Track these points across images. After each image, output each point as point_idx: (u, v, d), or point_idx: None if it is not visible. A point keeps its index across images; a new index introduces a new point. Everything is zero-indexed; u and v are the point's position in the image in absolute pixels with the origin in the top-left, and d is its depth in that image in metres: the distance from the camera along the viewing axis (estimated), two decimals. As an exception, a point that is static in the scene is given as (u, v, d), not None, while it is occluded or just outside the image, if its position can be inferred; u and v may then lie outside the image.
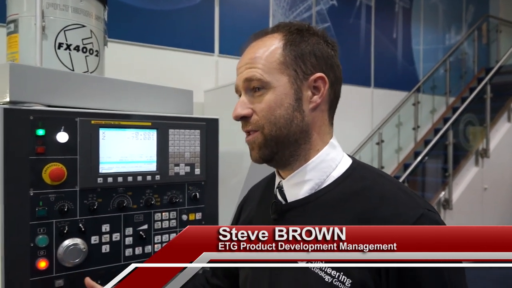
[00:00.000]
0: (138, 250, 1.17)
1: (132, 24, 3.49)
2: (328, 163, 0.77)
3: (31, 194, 1.02)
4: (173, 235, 1.24)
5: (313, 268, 0.69)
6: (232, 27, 4.14)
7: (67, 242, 1.05)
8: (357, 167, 0.78)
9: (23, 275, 1.01)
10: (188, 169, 1.27)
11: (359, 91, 5.58)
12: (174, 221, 1.24)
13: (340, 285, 0.66)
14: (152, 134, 1.20)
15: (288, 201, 0.79)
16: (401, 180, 4.49)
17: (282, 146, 0.75)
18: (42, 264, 1.02)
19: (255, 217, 0.89)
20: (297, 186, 0.77)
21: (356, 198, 0.71)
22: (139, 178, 1.17)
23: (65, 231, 1.05)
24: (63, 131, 1.05)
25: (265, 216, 0.83)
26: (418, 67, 6.34)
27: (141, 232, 1.17)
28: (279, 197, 0.80)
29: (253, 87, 0.75)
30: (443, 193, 4.84)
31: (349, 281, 0.65)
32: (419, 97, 6.06)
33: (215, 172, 1.33)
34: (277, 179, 0.83)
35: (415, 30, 6.31)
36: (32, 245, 1.01)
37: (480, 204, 5.18)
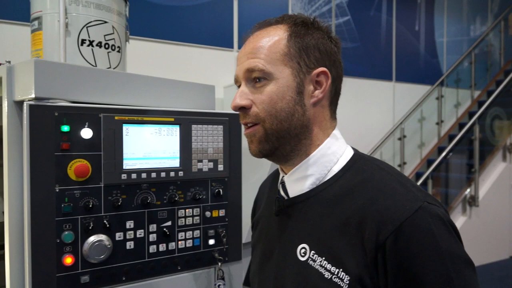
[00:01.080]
0: (162, 247, 1.17)
1: (151, 20, 3.51)
2: (329, 157, 0.76)
3: (57, 190, 1.02)
4: (196, 232, 1.23)
5: (314, 264, 0.69)
6: (251, 22, 4.10)
7: (92, 239, 1.05)
8: (358, 160, 0.76)
9: (50, 271, 1.01)
10: (211, 165, 1.25)
11: (380, 85, 5.48)
12: (197, 217, 1.23)
13: (339, 281, 0.65)
14: (175, 130, 1.19)
15: (290, 196, 0.78)
16: (424, 176, 4.39)
17: (283, 141, 0.74)
18: (68, 260, 1.02)
19: (263, 212, 0.90)
20: (298, 182, 0.77)
21: (354, 192, 0.70)
22: (163, 174, 1.16)
23: (90, 227, 1.05)
24: (87, 127, 1.05)
25: (270, 211, 0.84)
26: (441, 60, 6.17)
27: (165, 229, 1.16)
28: (282, 193, 0.80)
29: (254, 78, 0.73)
30: (468, 189, 4.70)
31: (347, 277, 0.65)
32: (442, 90, 5.91)
33: (238, 168, 1.31)
34: (281, 175, 0.82)
35: (439, 21, 6.14)
36: (58, 241, 1.02)
37: (508, 200, 5.01)
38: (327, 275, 0.67)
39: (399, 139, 5.56)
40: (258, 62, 0.72)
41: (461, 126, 5.71)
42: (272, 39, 0.73)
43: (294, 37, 0.73)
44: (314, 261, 0.70)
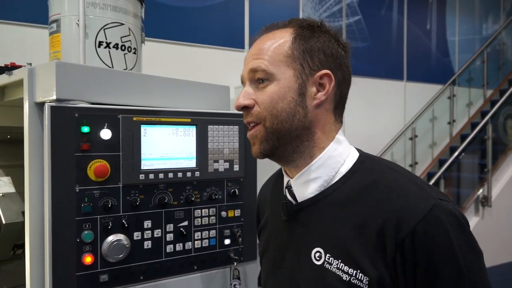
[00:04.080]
0: (179, 247, 1.18)
1: (163, 22, 3.53)
2: (336, 158, 0.75)
3: (77, 190, 1.03)
4: (212, 232, 1.24)
5: (331, 268, 0.70)
6: (262, 23, 4.10)
7: (111, 238, 1.06)
8: (365, 160, 0.76)
9: (70, 270, 1.03)
10: (227, 165, 1.26)
11: (391, 84, 5.44)
12: (213, 217, 1.24)
13: (358, 282, 0.66)
14: (192, 131, 1.20)
15: (298, 200, 0.78)
16: (436, 176, 4.35)
17: (284, 141, 0.74)
18: (88, 259, 1.04)
19: (268, 219, 0.89)
20: (306, 185, 0.76)
21: (366, 193, 0.70)
22: (179, 174, 1.17)
23: (109, 227, 1.06)
24: (106, 128, 1.06)
25: (277, 217, 0.83)
26: (453, 59, 6.11)
27: (181, 229, 1.18)
28: (289, 197, 0.79)
29: (257, 78, 0.74)
30: (481, 190, 4.64)
31: (366, 278, 0.65)
32: (454, 90, 5.84)
33: (254, 168, 1.31)
34: (285, 179, 0.82)
35: (450, 20, 6.08)
36: (78, 240, 1.03)
37: (521, 201, 4.93)
38: (345, 277, 0.67)
39: (411, 139, 5.51)
40: (262, 62, 0.73)
41: (473, 125, 5.64)
42: (277, 42, 0.74)
43: (298, 39, 0.74)
44: (331, 264, 0.70)
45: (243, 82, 0.78)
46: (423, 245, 0.63)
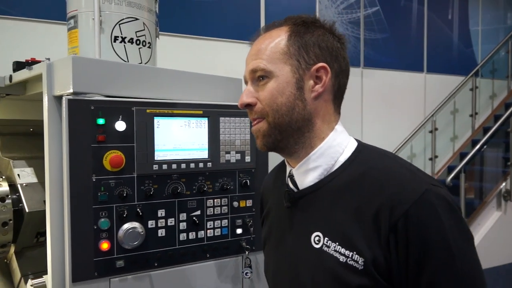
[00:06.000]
0: (192, 235, 1.21)
1: (178, 16, 3.57)
2: (335, 148, 0.79)
3: (94, 180, 1.08)
4: (224, 222, 1.27)
5: (329, 250, 0.73)
6: (277, 16, 4.09)
7: (127, 226, 1.11)
8: (362, 150, 0.80)
9: (88, 256, 1.08)
10: (238, 156, 1.28)
11: (410, 76, 5.34)
12: (225, 207, 1.27)
13: (354, 263, 0.69)
14: (204, 122, 1.23)
15: (300, 188, 0.81)
16: (456, 169, 4.27)
17: (286, 133, 0.77)
18: (105, 245, 1.08)
19: (271, 207, 0.93)
20: (307, 173, 0.80)
21: (363, 180, 0.74)
22: (192, 165, 1.21)
23: (124, 215, 1.10)
24: (121, 120, 1.10)
25: (280, 205, 0.87)
26: (476, 50, 5.94)
27: (194, 218, 1.21)
28: (291, 185, 0.83)
29: (258, 77, 0.78)
30: (504, 184, 4.54)
31: (361, 259, 0.69)
32: (477, 81, 5.70)
33: (265, 159, 1.33)
34: (288, 168, 0.85)
35: (473, 10, 5.91)
36: (95, 227, 1.08)
37: (546, 195, 4.79)
38: (342, 258, 0.71)
39: (431, 131, 5.42)
40: (260, 62, 0.77)
41: (496, 118, 5.49)
42: (274, 41, 0.78)
43: (294, 36, 0.77)
44: (328, 247, 0.74)
45: (246, 82, 0.83)
46: (415, 227, 0.66)
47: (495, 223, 4.37)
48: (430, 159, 5.48)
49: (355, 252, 0.70)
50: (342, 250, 0.71)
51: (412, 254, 0.66)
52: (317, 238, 0.76)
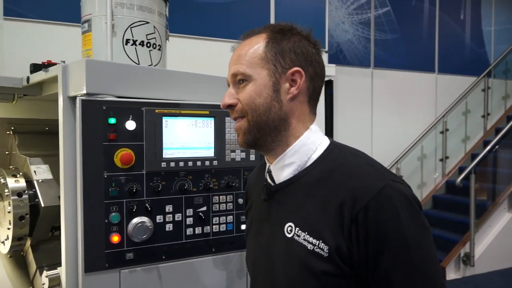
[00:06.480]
0: (198, 230, 1.26)
1: (188, 18, 3.64)
2: (309, 146, 0.86)
3: (105, 176, 1.14)
4: (230, 218, 1.32)
5: (299, 239, 0.80)
6: (287, 17, 4.13)
7: (136, 220, 1.16)
8: (333, 148, 0.87)
9: (99, 248, 1.13)
10: (243, 155, 1.33)
11: (421, 77, 5.33)
12: (230, 204, 1.31)
13: (320, 251, 0.76)
14: (210, 122, 1.28)
15: (276, 182, 0.89)
16: (467, 170, 4.25)
17: (263, 131, 0.85)
18: (115, 238, 1.14)
19: (253, 201, 1.01)
20: (282, 169, 0.87)
21: (331, 176, 0.81)
22: (198, 163, 1.26)
23: (134, 210, 1.16)
24: (131, 119, 1.16)
25: (259, 199, 0.94)
26: (489, 50, 5.89)
27: (200, 213, 1.26)
28: (269, 180, 0.91)
29: (238, 80, 0.86)
30: (516, 185, 4.49)
31: (326, 247, 0.75)
32: (489, 82, 5.65)
33: (269, 158, 1.38)
34: (267, 164, 0.93)
35: (486, 9, 5.86)
36: (106, 221, 1.14)
37: (559, 197, 4.72)
38: (309, 247, 0.78)
39: (441, 132, 5.39)
40: (240, 67, 0.85)
41: (509, 118, 5.44)
42: (253, 47, 0.85)
43: (271, 43, 0.84)
44: (299, 236, 0.81)
45: (228, 85, 0.90)
46: (373, 219, 0.72)
47: (507, 224, 4.33)
48: (441, 159, 5.45)
49: (321, 241, 0.76)
50: (310, 239, 0.78)
51: (370, 244, 0.73)
52: (289, 228, 0.83)
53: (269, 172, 0.91)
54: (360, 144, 4.82)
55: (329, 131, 3.61)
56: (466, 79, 5.60)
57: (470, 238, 4.09)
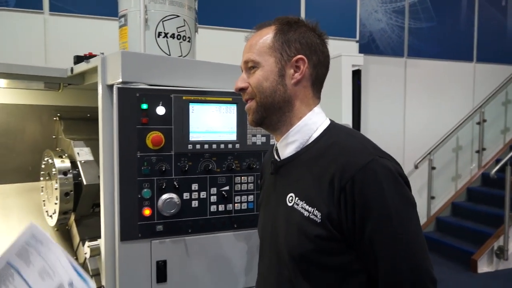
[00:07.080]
0: (221, 207, 1.38)
1: (219, 10, 3.75)
2: (310, 126, 0.96)
3: (138, 156, 1.27)
4: (251, 197, 1.42)
5: (298, 207, 0.91)
6: (318, 6, 4.15)
7: (165, 196, 1.29)
8: (331, 128, 0.97)
9: (133, 220, 1.27)
10: (264, 139, 1.42)
11: (458, 66, 5.17)
12: (251, 184, 1.42)
13: (314, 217, 0.86)
14: (233, 108, 1.38)
15: (281, 158, 1.00)
16: (502, 162, 4.12)
17: (269, 112, 0.95)
18: (147, 212, 1.28)
19: (265, 177, 1.13)
20: (286, 146, 0.98)
21: (326, 152, 0.91)
22: (222, 146, 1.37)
23: (163, 187, 1.29)
24: (161, 105, 1.28)
25: (269, 173, 1.06)
26: (532, 37, 5.60)
27: (223, 192, 1.37)
28: (276, 156, 1.02)
29: (249, 67, 0.97)
30: (556, 178, 4.30)
31: (319, 214, 0.86)
32: (532, 70, 5.39)
33: (289, 143, 1.46)
34: (275, 143, 1.04)
35: (531, -6, 5.56)
36: (139, 196, 1.27)
37: None
38: (305, 213, 0.88)
39: (478, 123, 5.23)
40: (251, 55, 0.96)
41: (553, 109, 5.19)
42: (263, 37, 0.96)
43: (279, 34, 0.95)
44: (298, 204, 0.91)
45: (242, 70, 1.01)
46: (359, 189, 0.82)
47: (545, 219, 4.18)
48: (477, 151, 5.30)
49: (315, 208, 0.86)
50: (307, 207, 0.88)
51: (357, 213, 0.82)
52: (290, 198, 0.94)
53: (276, 149, 1.02)
54: (392, 134, 4.78)
55: (356, 121, 3.62)
56: (507, 68, 5.38)
57: (504, 232, 4.00)
